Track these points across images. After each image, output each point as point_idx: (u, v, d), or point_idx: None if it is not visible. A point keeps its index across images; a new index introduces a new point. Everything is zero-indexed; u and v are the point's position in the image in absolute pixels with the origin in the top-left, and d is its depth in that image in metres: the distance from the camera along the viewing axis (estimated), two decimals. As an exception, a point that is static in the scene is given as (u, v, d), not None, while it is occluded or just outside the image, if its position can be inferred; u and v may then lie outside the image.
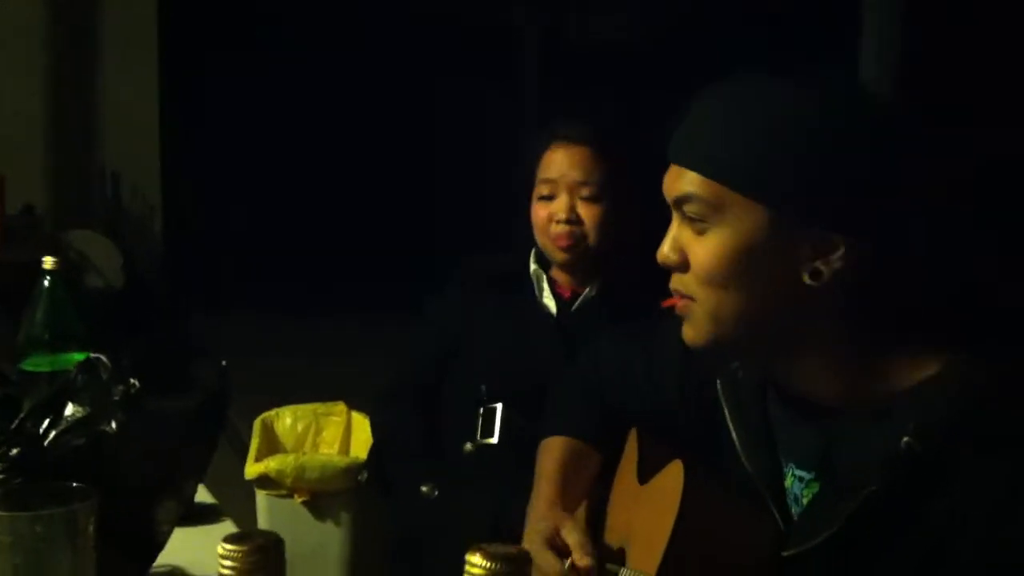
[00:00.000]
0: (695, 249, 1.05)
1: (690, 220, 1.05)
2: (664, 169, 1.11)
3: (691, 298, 1.06)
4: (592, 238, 1.82)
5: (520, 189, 1.92)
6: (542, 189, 1.84)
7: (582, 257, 1.84)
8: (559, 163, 1.84)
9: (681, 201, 1.06)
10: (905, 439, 0.97)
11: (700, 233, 1.05)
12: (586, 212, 1.82)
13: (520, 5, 6.57)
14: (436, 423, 1.97)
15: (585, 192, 1.82)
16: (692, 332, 1.08)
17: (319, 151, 6.27)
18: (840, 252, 0.99)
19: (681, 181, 1.05)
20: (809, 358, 1.03)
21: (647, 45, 6.25)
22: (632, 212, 1.84)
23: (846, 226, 0.99)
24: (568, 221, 1.82)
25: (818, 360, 1.03)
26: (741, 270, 1.02)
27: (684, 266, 1.06)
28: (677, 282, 1.08)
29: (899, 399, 1.00)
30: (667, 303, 1.10)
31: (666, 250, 1.08)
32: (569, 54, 6.48)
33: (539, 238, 1.87)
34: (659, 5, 6.29)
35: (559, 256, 1.86)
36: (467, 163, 6.13)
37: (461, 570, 0.65)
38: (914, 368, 1.01)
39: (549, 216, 1.83)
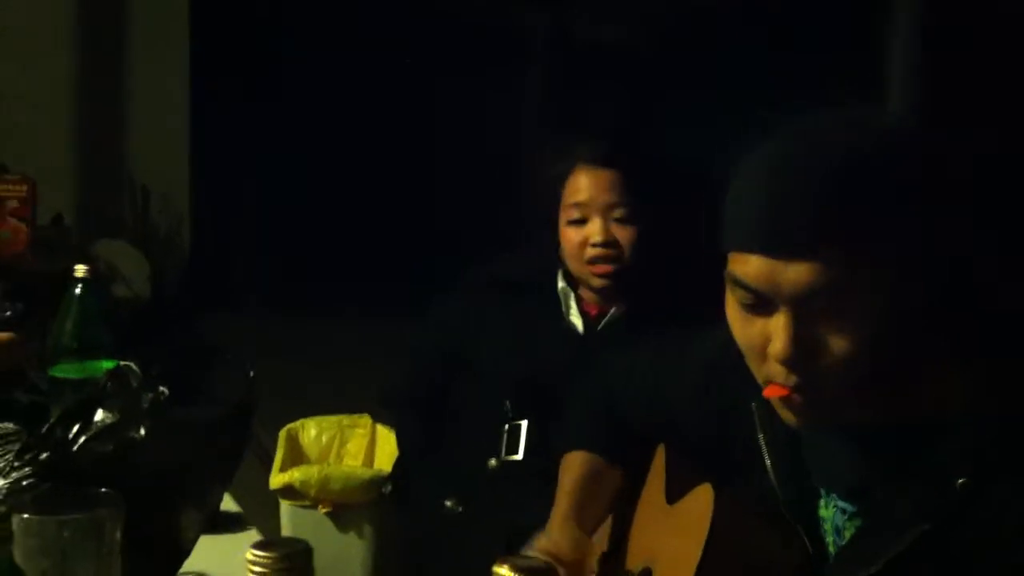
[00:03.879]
0: (836, 339, 0.93)
1: (820, 311, 0.93)
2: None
3: (815, 387, 0.95)
4: (629, 260, 1.81)
5: (529, 200, 1.92)
6: (572, 213, 1.83)
7: (618, 280, 1.83)
8: (588, 187, 1.82)
9: (811, 298, 0.92)
10: (961, 480, 0.93)
11: (843, 321, 0.92)
12: (621, 234, 1.81)
13: (527, 6, 6.57)
14: (446, 429, 1.97)
15: (618, 214, 1.80)
16: (806, 418, 0.98)
17: (345, 158, 6.29)
18: (918, 284, 0.94)
19: (803, 275, 0.91)
20: (875, 393, 0.99)
21: (656, 49, 6.23)
22: (658, 232, 1.83)
23: (918, 256, 0.93)
24: (605, 244, 1.80)
25: (879, 392, 0.99)
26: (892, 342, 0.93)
27: (814, 358, 0.94)
28: (797, 374, 0.94)
29: (948, 431, 0.97)
30: (774, 395, 0.98)
31: (791, 352, 0.93)
32: (572, 55, 6.48)
33: (572, 263, 1.85)
34: (669, 9, 6.27)
35: (596, 282, 1.84)
36: (485, 165, 6.13)
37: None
38: (956, 392, 0.98)
39: (583, 241, 1.82)
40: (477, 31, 6.36)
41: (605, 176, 1.82)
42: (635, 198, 1.81)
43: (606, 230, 1.81)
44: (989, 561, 0.94)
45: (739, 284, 0.96)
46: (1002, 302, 1.03)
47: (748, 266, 0.95)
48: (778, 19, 5.65)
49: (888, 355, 0.95)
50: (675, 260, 1.87)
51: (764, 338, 0.96)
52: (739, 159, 0.98)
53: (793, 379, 0.95)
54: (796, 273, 0.91)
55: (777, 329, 0.94)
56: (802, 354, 0.93)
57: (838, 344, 0.93)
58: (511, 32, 6.49)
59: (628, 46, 6.25)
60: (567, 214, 1.84)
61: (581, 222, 1.82)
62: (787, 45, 5.40)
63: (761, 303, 0.95)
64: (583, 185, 1.83)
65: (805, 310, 0.93)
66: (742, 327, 0.99)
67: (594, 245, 1.81)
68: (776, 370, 0.96)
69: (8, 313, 1.55)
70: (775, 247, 0.92)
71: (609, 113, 5.45)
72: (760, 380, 0.99)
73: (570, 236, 1.84)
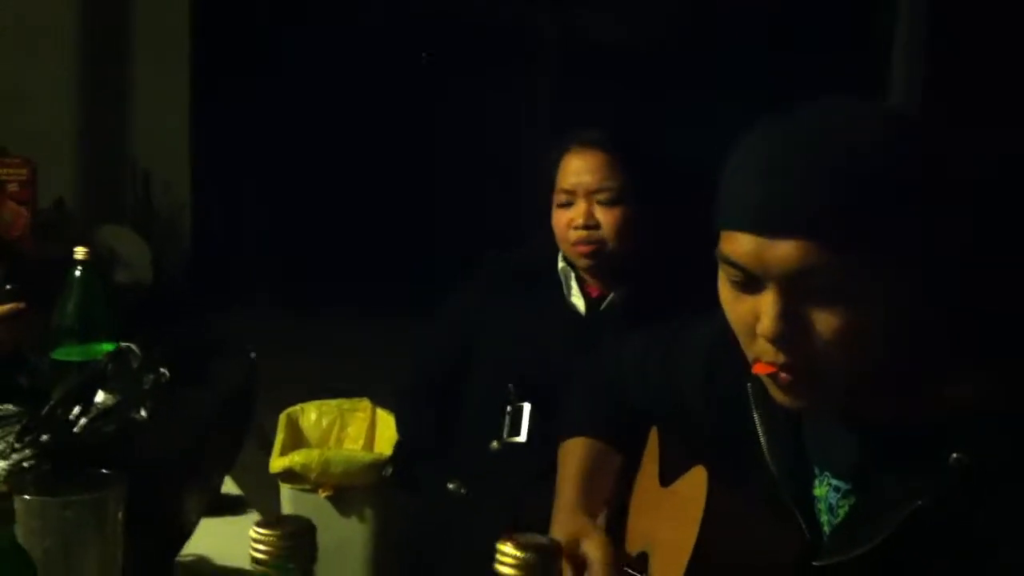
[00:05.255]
0: (824, 320, 0.93)
1: (808, 291, 0.93)
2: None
3: (804, 368, 0.95)
4: (611, 242, 1.83)
5: (532, 189, 1.93)
6: (560, 197, 1.86)
7: (604, 261, 1.85)
8: (576, 169, 1.85)
9: (798, 278, 0.92)
10: (955, 455, 0.94)
11: (831, 303, 0.93)
12: (603, 216, 1.83)
13: (530, 5, 6.56)
14: (455, 418, 1.97)
15: (602, 196, 1.83)
16: (797, 399, 0.98)
17: (345, 151, 6.30)
18: (910, 272, 0.94)
19: (789, 253, 0.92)
20: (874, 384, 0.99)
21: (660, 47, 6.24)
22: (654, 215, 1.84)
23: (911, 245, 0.93)
24: (586, 226, 1.82)
25: (877, 383, 1.00)
26: (884, 325, 0.94)
27: (803, 338, 0.94)
28: (785, 353, 0.95)
29: (944, 426, 0.97)
30: (761, 372, 0.99)
31: (778, 330, 0.94)
32: (574, 55, 6.48)
33: (561, 245, 1.88)
34: (675, 8, 6.27)
35: (581, 262, 1.87)
36: (486, 164, 6.14)
37: (481, 566, 0.65)
38: (956, 383, 0.99)
39: (568, 222, 1.84)
40: (477, 31, 6.36)
41: (593, 159, 1.84)
42: (621, 181, 1.82)
43: (588, 212, 1.83)
44: (984, 542, 0.94)
45: (728, 262, 0.97)
46: (999, 300, 1.04)
47: (737, 244, 0.96)
48: (778, 19, 5.66)
49: (879, 342, 0.95)
50: (674, 243, 1.88)
51: (753, 316, 0.97)
52: (735, 142, 0.99)
53: (781, 358, 0.96)
54: (783, 251, 0.92)
55: (765, 307, 0.95)
56: (790, 333, 0.94)
57: (826, 324, 0.93)
58: (511, 32, 6.49)
59: (630, 46, 6.25)
60: (556, 198, 1.86)
61: (568, 205, 1.85)
62: (787, 45, 5.40)
63: (750, 281, 0.96)
64: (572, 168, 1.85)
65: (793, 289, 0.93)
66: (732, 305, 1.00)
67: (576, 228, 1.82)
68: (764, 348, 0.97)
69: (8, 287, 1.55)
70: (761, 225, 0.93)
71: (609, 111, 5.46)
72: (750, 358, 1.00)
73: (558, 218, 1.86)
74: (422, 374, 2.05)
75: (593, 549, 1.21)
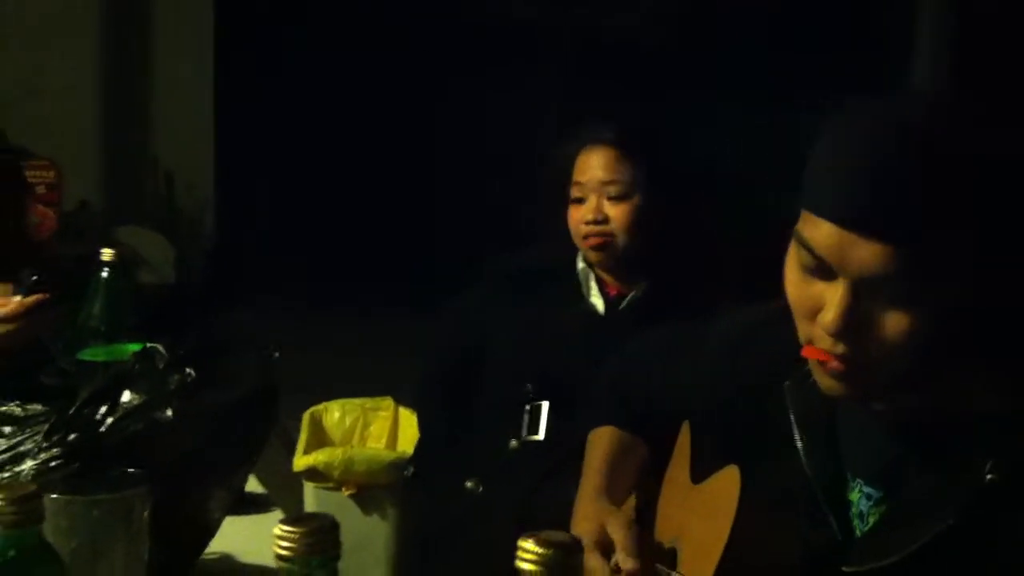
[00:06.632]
0: (888, 320, 0.92)
1: (880, 292, 0.91)
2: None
3: (856, 359, 0.94)
4: (620, 237, 1.83)
5: (536, 190, 1.94)
6: (574, 192, 1.87)
7: (614, 257, 1.85)
8: (589, 166, 1.86)
9: (875, 279, 0.91)
10: (990, 476, 0.93)
11: (899, 304, 0.91)
12: (613, 211, 1.84)
13: (536, 5, 6.55)
14: (471, 416, 1.98)
15: (612, 191, 1.84)
16: (842, 388, 0.97)
17: (368, 150, 6.31)
18: (973, 277, 0.92)
19: (874, 256, 0.90)
20: (913, 380, 0.98)
21: (671, 42, 6.21)
22: (669, 210, 1.84)
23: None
24: (595, 221, 1.83)
25: (917, 381, 0.98)
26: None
27: (863, 333, 0.93)
28: (845, 347, 0.94)
29: (980, 426, 0.96)
30: (812, 356, 0.97)
31: (842, 325, 0.92)
32: (577, 53, 6.46)
33: (575, 240, 1.89)
34: (675, 8, 6.25)
35: (592, 256, 1.88)
36: (495, 163, 6.14)
37: (497, 561, 0.65)
38: (989, 387, 0.98)
39: (580, 218, 1.85)
40: (479, 31, 6.37)
41: (604, 154, 1.85)
42: (631, 175, 1.82)
43: (599, 208, 1.84)
44: (1010, 557, 0.93)
45: (805, 247, 0.95)
46: (1013, 299, 1.02)
47: (819, 231, 0.93)
48: (793, 18, 5.63)
49: (934, 345, 0.94)
50: (691, 240, 1.88)
51: (817, 302, 0.95)
52: (833, 118, 0.96)
53: (839, 348, 0.94)
54: (868, 252, 0.90)
55: (833, 299, 0.93)
56: (852, 328, 0.92)
57: (889, 323, 0.92)
58: (516, 32, 6.49)
59: (635, 46, 6.23)
60: (572, 191, 1.87)
61: (580, 201, 1.86)
62: (800, 45, 5.38)
63: (822, 268, 0.94)
64: (585, 165, 1.87)
65: (866, 288, 0.91)
66: (797, 286, 0.97)
67: (587, 223, 1.83)
68: (821, 334, 0.95)
69: (34, 278, 1.56)
70: (852, 221, 0.90)
71: (615, 110, 5.44)
72: (803, 339, 0.98)
73: (571, 215, 1.88)
74: (437, 372, 2.06)
75: (616, 529, 1.21)
